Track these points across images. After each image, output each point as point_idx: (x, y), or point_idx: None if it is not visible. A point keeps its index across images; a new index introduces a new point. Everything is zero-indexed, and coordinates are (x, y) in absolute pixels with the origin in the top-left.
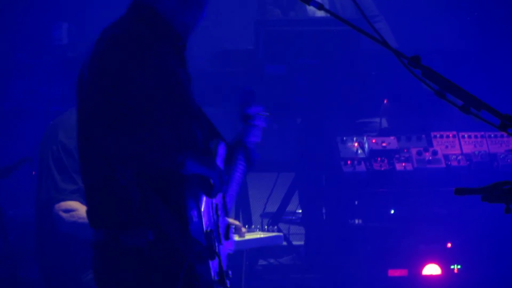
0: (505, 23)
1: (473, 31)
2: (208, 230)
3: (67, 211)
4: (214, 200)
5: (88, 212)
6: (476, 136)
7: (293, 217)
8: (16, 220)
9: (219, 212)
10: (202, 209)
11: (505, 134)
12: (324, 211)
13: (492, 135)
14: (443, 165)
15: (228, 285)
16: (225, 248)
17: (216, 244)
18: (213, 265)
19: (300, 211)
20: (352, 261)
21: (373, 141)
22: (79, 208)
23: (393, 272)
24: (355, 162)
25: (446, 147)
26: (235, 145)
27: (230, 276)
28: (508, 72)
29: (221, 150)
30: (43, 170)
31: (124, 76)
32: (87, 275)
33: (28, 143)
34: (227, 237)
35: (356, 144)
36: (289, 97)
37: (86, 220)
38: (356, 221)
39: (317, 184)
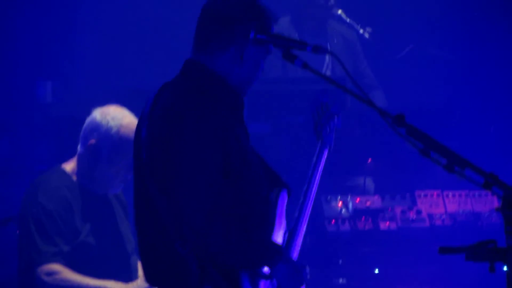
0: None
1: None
2: None
3: (49, 274)
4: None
5: (150, 274)
6: (460, 195)
7: None
8: (2, 277)
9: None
10: (259, 283)
11: (489, 192)
12: (307, 270)
13: (477, 194)
14: (427, 224)
15: None
16: None
17: None
18: None
19: (308, 270)
20: None
21: (357, 200)
22: (62, 271)
23: None
24: (339, 221)
25: (430, 206)
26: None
27: None
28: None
29: (282, 200)
30: (23, 233)
31: (195, 145)
32: None
33: (12, 202)
34: None
35: (340, 203)
36: (273, 155)
37: (69, 283)
38: (340, 280)
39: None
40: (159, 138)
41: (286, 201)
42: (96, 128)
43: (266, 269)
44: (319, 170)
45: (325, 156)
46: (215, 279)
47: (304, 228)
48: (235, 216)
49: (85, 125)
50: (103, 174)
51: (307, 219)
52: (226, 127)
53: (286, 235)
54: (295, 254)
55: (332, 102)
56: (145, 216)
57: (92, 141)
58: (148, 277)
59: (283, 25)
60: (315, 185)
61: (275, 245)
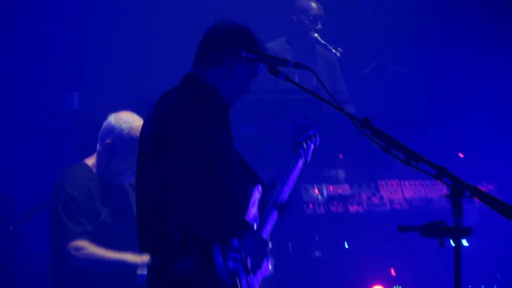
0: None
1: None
2: (233, 270)
3: (78, 249)
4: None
5: (143, 242)
6: (415, 184)
7: None
8: (38, 253)
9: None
10: (229, 254)
11: (439, 182)
12: (290, 245)
13: (429, 183)
14: (388, 208)
15: None
16: (257, 276)
17: (243, 278)
18: None
19: (271, 245)
20: (313, 286)
21: (331, 188)
22: (88, 246)
23: None
24: (316, 205)
25: (391, 193)
26: (271, 190)
27: None
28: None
29: (257, 193)
30: (54, 215)
31: (180, 141)
32: None
33: (46, 190)
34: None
35: (316, 191)
36: (261, 153)
37: (94, 256)
38: (317, 253)
39: (284, 224)
40: (156, 133)
41: (260, 194)
42: (111, 130)
43: (235, 242)
44: (293, 176)
45: (300, 166)
46: (193, 249)
47: (274, 218)
48: (212, 199)
49: (102, 127)
50: (117, 167)
51: (277, 211)
52: (210, 128)
53: (257, 221)
54: (264, 236)
55: (311, 125)
56: (142, 197)
57: (108, 140)
58: (141, 246)
59: (281, 45)
60: (288, 187)
61: (244, 221)
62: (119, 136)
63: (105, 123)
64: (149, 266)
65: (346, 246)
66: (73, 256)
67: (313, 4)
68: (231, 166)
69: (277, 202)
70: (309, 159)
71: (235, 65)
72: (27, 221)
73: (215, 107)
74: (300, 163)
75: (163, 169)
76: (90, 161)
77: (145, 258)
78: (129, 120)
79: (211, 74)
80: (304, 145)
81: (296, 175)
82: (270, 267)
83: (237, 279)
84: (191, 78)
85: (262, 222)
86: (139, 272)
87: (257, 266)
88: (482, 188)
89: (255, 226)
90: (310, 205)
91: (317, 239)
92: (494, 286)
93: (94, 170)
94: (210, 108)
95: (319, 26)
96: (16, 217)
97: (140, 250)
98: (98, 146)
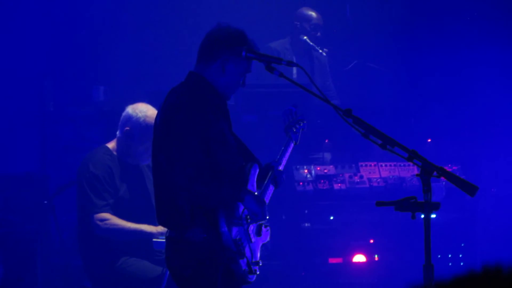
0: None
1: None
2: (237, 238)
3: (102, 220)
4: (243, 212)
5: (160, 216)
6: (391, 165)
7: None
8: (68, 223)
9: (249, 220)
10: (233, 222)
11: (411, 163)
12: (283, 217)
13: (402, 164)
14: (367, 185)
15: (257, 272)
16: (257, 242)
17: (245, 244)
18: (243, 262)
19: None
20: (303, 252)
21: (318, 168)
22: (111, 218)
23: (332, 260)
24: (305, 183)
25: (370, 172)
26: (267, 168)
27: (260, 264)
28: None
29: (254, 170)
30: (80, 191)
31: (182, 129)
32: (115, 263)
33: (75, 169)
34: (259, 233)
35: (306, 171)
36: (259, 138)
37: (116, 226)
38: (306, 224)
39: (278, 199)
40: (164, 123)
41: (257, 172)
42: (129, 118)
43: (239, 207)
44: (286, 156)
45: (291, 148)
46: (202, 221)
47: (270, 191)
48: (212, 177)
49: (122, 117)
50: (136, 151)
51: (273, 186)
52: (208, 117)
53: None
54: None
55: (299, 111)
56: (157, 177)
57: (127, 127)
58: (159, 220)
59: (282, 45)
60: (281, 165)
61: (244, 188)
62: (136, 123)
63: (124, 113)
64: (167, 236)
65: (331, 218)
66: (98, 226)
67: (315, 15)
68: (229, 146)
69: (273, 178)
70: (298, 141)
71: (228, 62)
72: (59, 196)
73: (214, 99)
74: (291, 144)
75: (169, 153)
76: (111, 144)
77: (159, 228)
78: (144, 110)
79: (209, 71)
80: (294, 129)
81: (288, 155)
82: (268, 235)
83: (240, 245)
84: (193, 75)
85: (261, 194)
86: (154, 240)
87: (258, 229)
88: (448, 168)
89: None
90: (301, 183)
91: (306, 212)
92: (460, 255)
93: (114, 152)
94: (209, 101)
95: (318, 34)
96: (50, 193)
97: (157, 223)
98: (118, 132)
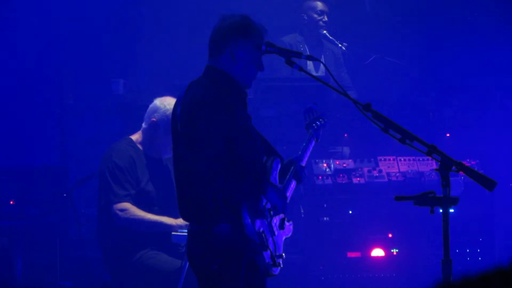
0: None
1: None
2: (261, 230)
3: (122, 210)
4: (266, 205)
5: (182, 210)
6: (409, 159)
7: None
8: (87, 216)
9: (272, 213)
10: (256, 215)
11: (430, 158)
12: (302, 211)
13: (421, 159)
14: (386, 180)
15: (281, 265)
16: (280, 236)
17: (269, 237)
18: (266, 254)
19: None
20: (322, 246)
21: (337, 162)
22: (131, 208)
23: (351, 254)
24: (324, 177)
25: (388, 167)
26: (289, 163)
27: (284, 257)
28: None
29: (276, 165)
30: (102, 181)
31: (207, 124)
32: (134, 256)
33: (95, 162)
34: (282, 227)
35: (325, 165)
36: (278, 132)
37: (136, 217)
38: (325, 218)
39: (298, 193)
40: (188, 116)
41: (279, 166)
42: (157, 110)
43: (262, 200)
44: (307, 153)
45: (312, 145)
46: (226, 213)
47: (293, 186)
48: (234, 170)
49: (148, 108)
50: (160, 143)
51: (295, 181)
52: (232, 109)
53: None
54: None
55: (320, 110)
56: (179, 171)
57: (154, 119)
58: (181, 214)
59: (294, 38)
60: (303, 162)
61: (267, 180)
62: (163, 115)
63: (151, 105)
64: (189, 230)
65: (350, 212)
66: (118, 216)
67: (319, 2)
68: (252, 140)
69: (295, 173)
70: (319, 138)
71: (237, 49)
72: (78, 189)
73: (234, 90)
74: (312, 142)
75: (193, 148)
76: (134, 137)
77: (179, 221)
78: (171, 103)
79: (221, 62)
80: (315, 126)
81: (309, 152)
82: (291, 229)
83: (263, 237)
84: (209, 68)
85: (284, 189)
86: (173, 233)
87: (281, 222)
88: (466, 163)
89: None
90: (320, 177)
91: (325, 206)
92: (478, 249)
93: (138, 144)
94: (230, 92)
95: (325, 18)
96: (69, 186)
97: (180, 216)
98: (143, 124)
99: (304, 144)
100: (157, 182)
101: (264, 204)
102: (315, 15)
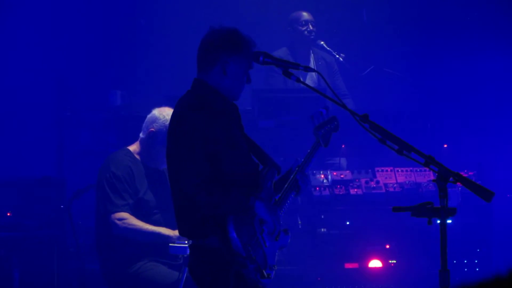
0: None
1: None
2: (248, 243)
3: (120, 219)
4: (255, 217)
5: (179, 226)
6: (407, 170)
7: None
8: (84, 228)
9: (263, 227)
10: (242, 228)
11: (427, 169)
12: (299, 222)
13: (419, 170)
14: (384, 191)
15: (271, 276)
16: (274, 247)
17: (258, 250)
18: (253, 267)
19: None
20: (319, 257)
21: (334, 173)
22: (129, 217)
23: (348, 265)
24: (322, 188)
25: (386, 178)
26: (290, 171)
27: (275, 268)
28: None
29: (271, 175)
30: (100, 191)
31: (186, 139)
32: (132, 268)
33: (93, 174)
34: (277, 238)
35: (322, 176)
36: (276, 143)
37: (133, 226)
38: (322, 229)
39: (295, 204)
40: (170, 133)
41: (274, 176)
42: (155, 120)
43: (249, 213)
44: (312, 159)
45: (318, 149)
46: (214, 228)
47: (291, 196)
48: (218, 184)
49: (147, 118)
50: (157, 153)
51: (294, 191)
52: (212, 124)
53: (273, 200)
54: (281, 211)
55: (328, 113)
56: (171, 186)
57: (152, 129)
58: (180, 231)
59: (282, 53)
60: (307, 169)
61: (253, 195)
62: (162, 125)
63: (149, 115)
64: (189, 245)
65: (348, 223)
66: (117, 225)
67: (302, 12)
68: (240, 152)
69: (295, 181)
70: (328, 143)
71: (229, 64)
72: (76, 201)
73: (219, 104)
74: (319, 147)
75: (176, 164)
76: (132, 147)
77: (177, 232)
78: (170, 113)
79: (210, 75)
80: (323, 131)
81: (314, 158)
82: (287, 239)
83: (252, 250)
84: (197, 82)
85: (281, 199)
86: (170, 244)
87: (278, 232)
88: (464, 174)
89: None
90: (317, 188)
91: (322, 217)
92: (476, 260)
93: (136, 155)
94: (213, 107)
95: (310, 27)
96: (67, 197)
97: (179, 233)
98: (141, 134)
99: (309, 150)
100: (156, 191)
101: (252, 216)
102: (299, 27)
